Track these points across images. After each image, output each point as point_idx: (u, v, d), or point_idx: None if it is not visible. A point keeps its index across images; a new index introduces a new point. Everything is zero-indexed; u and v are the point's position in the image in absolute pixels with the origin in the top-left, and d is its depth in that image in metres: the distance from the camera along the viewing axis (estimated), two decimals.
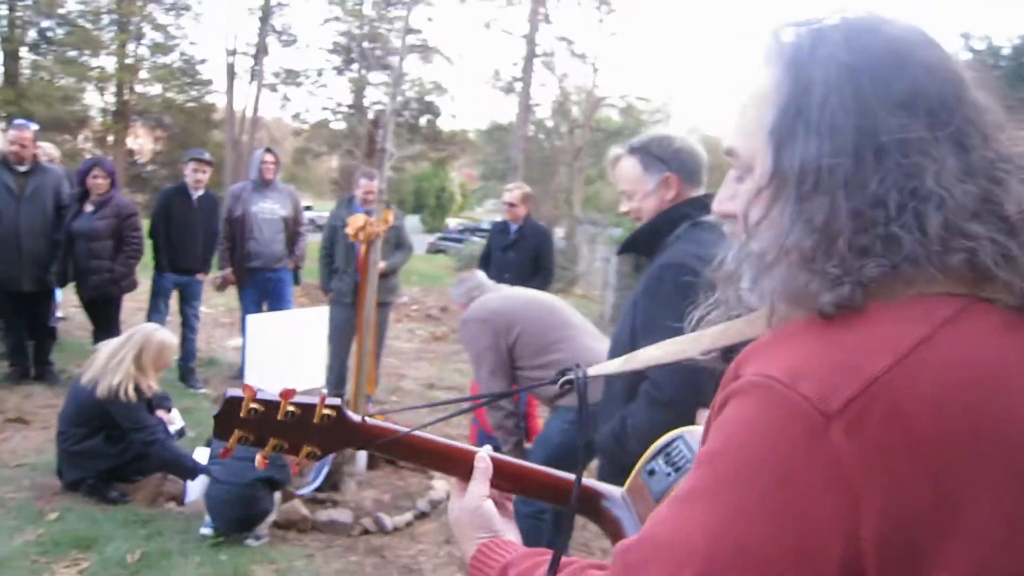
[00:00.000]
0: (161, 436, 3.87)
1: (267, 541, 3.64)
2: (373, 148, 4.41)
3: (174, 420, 4.29)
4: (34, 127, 5.53)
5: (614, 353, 2.19)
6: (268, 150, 6.30)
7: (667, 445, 1.07)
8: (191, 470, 3.81)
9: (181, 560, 3.35)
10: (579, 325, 3.46)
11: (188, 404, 5.57)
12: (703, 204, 2.12)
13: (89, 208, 5.41)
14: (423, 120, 31.85)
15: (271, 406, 0.94)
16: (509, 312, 3.42)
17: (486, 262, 6.41)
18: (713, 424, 0.73)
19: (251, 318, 4.32)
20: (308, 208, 34.02)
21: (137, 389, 3.79)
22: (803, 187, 0.71)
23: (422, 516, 4.22)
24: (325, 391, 5.84)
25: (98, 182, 5.37)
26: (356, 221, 4.36)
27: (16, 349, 5.55)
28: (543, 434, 3.36)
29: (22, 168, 5.40)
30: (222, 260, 6.12)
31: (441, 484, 4.60)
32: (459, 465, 1.04)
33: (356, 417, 0.98)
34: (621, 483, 2.12)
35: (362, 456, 4.52)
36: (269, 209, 6.09)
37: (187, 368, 6.11)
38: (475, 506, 1.02)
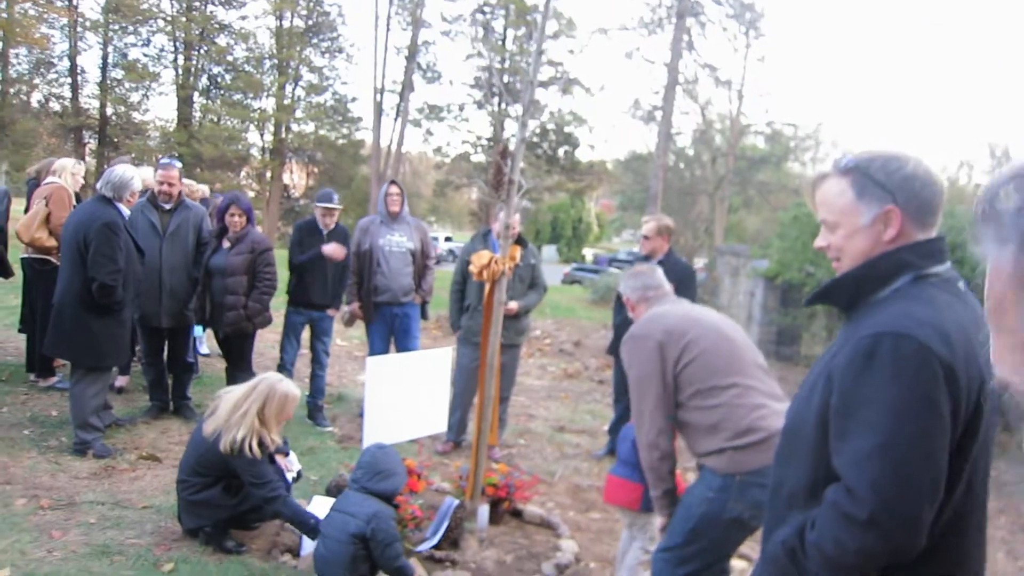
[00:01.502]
0: (282, 492, 3.70)
1: None
2: (501, 179, 4.15)
3: (291, 465, 4.15)
4: (179, 165, 5.69)
5: (789, 445, 1.73)
6: (393, 182, 6.21)
7: None
8: (313, 529, 3.62)
9: None
10: (753, 373, 2.92)
11: (313, 444, 5.48)
12: (936, 250, 1.64)
13: (226, 245, 5.48)
14: (561, 151, 31.85)
15: None
16: (686, 334, 2.90)
17: (619, 298, 6.02)
18: None
19: (370, 360, 4.13)
20: (448, 239, 34.98)
21: (260, 443, 3.67)
22: None
23: None
24: (446, 438, 5.63)
25: (235, 220, 5.43)
26: (480, 259, 4.11)
27: (156, 384, 5.68)
28: (684, 500, 2.89)
29: (167, 206, 5.55)
30: (349, 295, 6.07)
31: (569, 545, 4.22)
32: None
33: None
34: None
35: (484, 511, 4.22)
36: (396, 242, 5.99)
37: (315, 405, 6.06)
38: None
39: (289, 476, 4.01)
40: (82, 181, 6.30)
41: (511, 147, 3.97)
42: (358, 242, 6.01)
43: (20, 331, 6.22)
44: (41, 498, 4.05)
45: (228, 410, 3.73)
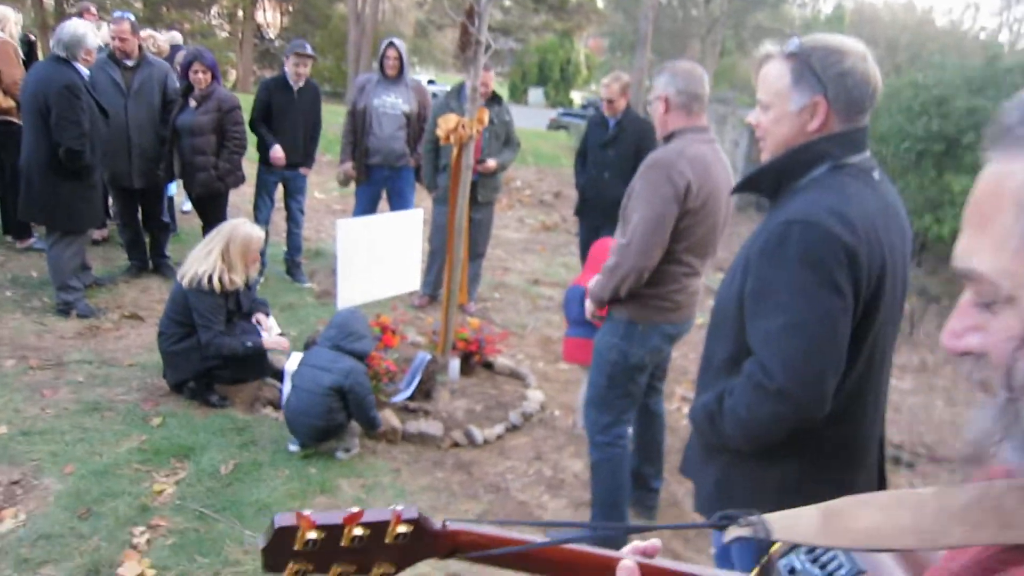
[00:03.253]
0: (218, 334, 3.89)
1: (357, 454, 3.65)
2: (467, 40, 4.03)
3: (271, 326, 4.31)
4: (131, 18, 5.46)
5: (717, 323, 1.85)
6: (391, 43, 5.94)
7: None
8: (248, 350, 3.93)
9: (271, 472, 3.41)
10: (706, 259, 2.94)
11: (292, 300, 5.65)
12: (856, 140, 1.69)
13: (192, 103, 5.37)
14: None
15: (333, 533, 0.77)
16: (706, 201, 2.75)
17: (582, 159, 5.97)
18: None
19: (340, 223, 4.19)
20: (432, 83, 33.84)
21: (221, 282, 3.87)
22: None
23: (513, 429, 4.13)
24: (422, 293, 5.79)
25: (198, 76, 5.30)
26: (447, 122, 4.08)
27: (133, 244, 5.76)
28: (596, 349, 3.03)
29: (129, 63, 5.39)
30: (343, 154, 6.00)
31: (536, 395, 4.49)
32: (578, 571, 0.84)
33: (437, 524, 0.82)
34: (708, 460, 1.88)
35: (455, 364, 4.45)
36: (391, 104, 5.86)
37: (293, 262, 6.18)
38: None
39: (266, 336, 4.18)
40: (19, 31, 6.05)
41: (478, 6, 3.84)
42: (354, 101, 5.89)
43: None
44: (29, 358, 4.23)
45: (195, 252, 3.96)
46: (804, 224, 1.58)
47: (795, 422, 1.64)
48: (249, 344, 3.95)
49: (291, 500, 3.24)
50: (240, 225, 4.05)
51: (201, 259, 3.92)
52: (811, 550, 0.84)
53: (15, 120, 5.49)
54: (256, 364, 4.07)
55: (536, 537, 0.84)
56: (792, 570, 0.84)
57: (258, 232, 4.06)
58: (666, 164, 2.71)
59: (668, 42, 28.09)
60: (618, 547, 0.86)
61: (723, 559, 2.09)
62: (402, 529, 0.78)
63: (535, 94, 41.02)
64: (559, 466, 3.82)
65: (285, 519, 0.77)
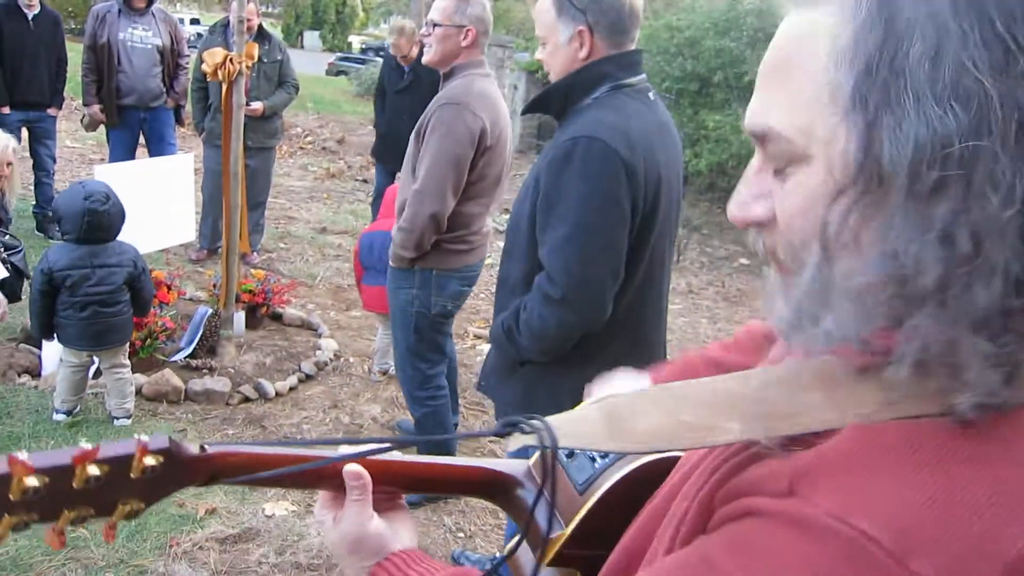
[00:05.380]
0: None
1: (134, 419, 3.39)
2: None
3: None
4: None
5: (510, 243, 1.92)
6: None
7: None
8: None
9: (34, 445, 3.07)
10: (494, 194, 2.94)
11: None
12: (631, 62, 1.80)
13: None
14: None
15: (60, 476, 0.64)
16: (496, 142, 2.73)
17: (381, 101, 5.90)
18: (719, 527, 0.51)
19: (99, 170, 3.79)
20: (195, 22, 31.09)
21: None
22: (918, 186, 0.45)
23: (307, 379, 4.04)
24: (199, 246, 5.44)
25: None
26: (214, 57, 3.79)
27: None
28: (395, 303, 2.97)
29: None
30: (87, 95, 5.36)
31: (329, 343, 4.40)
32: (332, 481, 0.80)
33: (193, 449, 0.73)
34: (509, 375, 1.96)
35: (239, 317, 4.24)
36: (140, 36, 5.30)
37: (44, 215, 5.51)
38: (358, 534, 0.79)
39: None
40: None
41: None
42: (93, 34, 5.22)
43: None
44: None
45: None
46: (587, 139, 1.66)
47: (579, 327, 1.75)
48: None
49: None
50: None
51: None
52: None
53: None
54: None
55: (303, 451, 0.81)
56: (570, 453, 0.87)
57: (5, 139, 3.45)
58: (458, 104, 2.65)
59: None
60: None
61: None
62: (150, 461, 0.68)
63: (311, 37, 39.25)
64: (356, 412, 3.80)
65: None
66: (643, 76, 1.84)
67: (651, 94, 1.86)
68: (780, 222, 0.55)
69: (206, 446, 0.75)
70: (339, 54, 29.12)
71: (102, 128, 5.56)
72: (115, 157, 5.47)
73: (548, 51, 1.83)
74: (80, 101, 5.67)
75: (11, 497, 0.63)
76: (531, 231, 1.80)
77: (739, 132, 7.11)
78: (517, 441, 0.74)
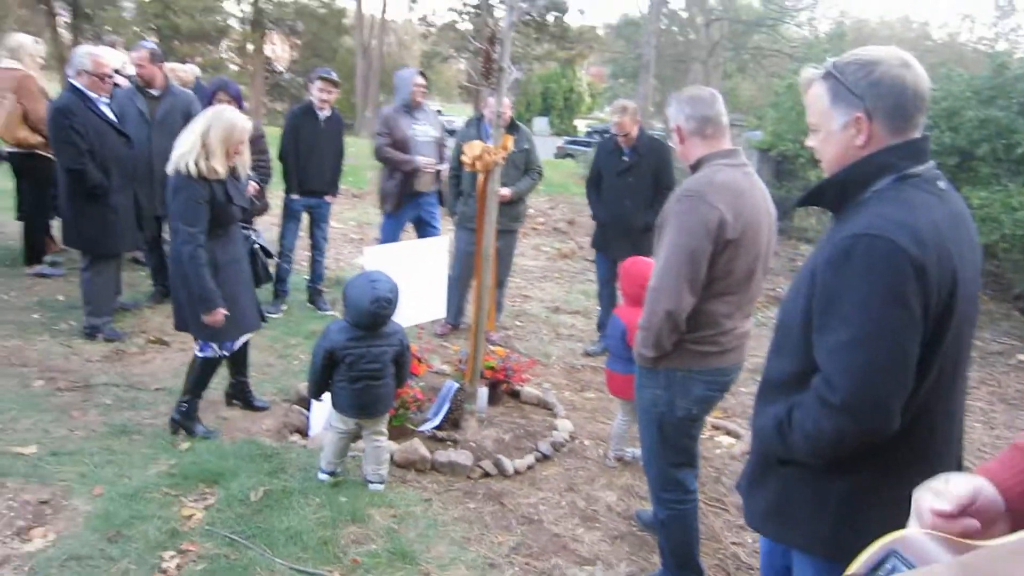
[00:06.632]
0: (189, 244, 3.56)
1: (387, 483, 3.61)
2: (490, 66, 4.06)
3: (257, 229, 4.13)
4: (149, 46, 5.52)
5: (780, 340, 1.83)
6: (421, 73, 6.02)
7: (877, 566, 0.81)
8: (199, 299, 3.62)
9: (301, 500, 3.36)
10: (749, 289, 2.71)
11: (314, 328, 5.63)
12: (916, 151, 1.68)
13: None
14: (550, 17, 30.66)
15: None
16: (743, 231, 2.56)
17: (596, 186, 5.79)
18: None
19: (368, 251, 4.19)
20: (439, 113, 34.12)
21: (198, 167, 3.59)
22: None
23: (544, 459, 4.08)
24: (445, 321, 5.77)
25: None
26: (472, 149, 4.08)
27: (158, 270, 5.77)
28: (639, 405, 2.89)
29: (154, 92, 5.44)
30: (389, 183, 5.90)
31: (564, 424, 4.44)
32: None
33: None
34: (765, 474, 1.85)
35: (483, 393, 4.41)
36: (423, 131, 5.90)
37: (315, 290, 6.18)
38: None
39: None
40: (42, 61, 6.09)
41: (499, 32, 3.87)
42: (387, 132, 5.85)
43: (17, 219, 6.23)
44: (58, 380, 4.22)
45: (179, 139, 3.73)
46: (870, 238, 1.56)
47: (859, 437, 1.61)
48: (201, 294, 3.62)
49: (321, 528, 3.19)
50: (223, 110, 3.80)
51: (181, 143, 3.69)
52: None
53: (43, 153, 5.56)
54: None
55: None
56: None
57: (243, 120, 3.80)
58: (694, 195, 2.54)
59: (670, 67, 28.38)
60: None
61: (768, 568, 2.05)
62: None
63: (540, 123, 41.35)
64: (592, 497, 3.76)
65: None
66: (931, 164, 1.70)
67: (941, 183, 1.71)
68: None
69: None
70: (567, 138, 30.37)
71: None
72: (386, 238, 5.97)
73: (821, 138, 1.75)
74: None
75: None
76: (804, 330, 1.70)
77: (1012, 210, 6.41)
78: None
